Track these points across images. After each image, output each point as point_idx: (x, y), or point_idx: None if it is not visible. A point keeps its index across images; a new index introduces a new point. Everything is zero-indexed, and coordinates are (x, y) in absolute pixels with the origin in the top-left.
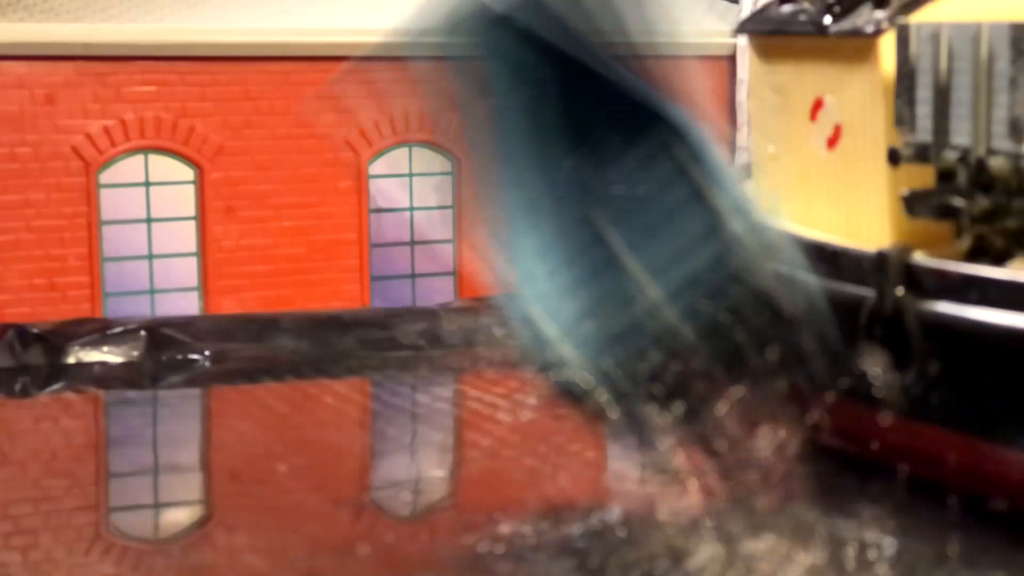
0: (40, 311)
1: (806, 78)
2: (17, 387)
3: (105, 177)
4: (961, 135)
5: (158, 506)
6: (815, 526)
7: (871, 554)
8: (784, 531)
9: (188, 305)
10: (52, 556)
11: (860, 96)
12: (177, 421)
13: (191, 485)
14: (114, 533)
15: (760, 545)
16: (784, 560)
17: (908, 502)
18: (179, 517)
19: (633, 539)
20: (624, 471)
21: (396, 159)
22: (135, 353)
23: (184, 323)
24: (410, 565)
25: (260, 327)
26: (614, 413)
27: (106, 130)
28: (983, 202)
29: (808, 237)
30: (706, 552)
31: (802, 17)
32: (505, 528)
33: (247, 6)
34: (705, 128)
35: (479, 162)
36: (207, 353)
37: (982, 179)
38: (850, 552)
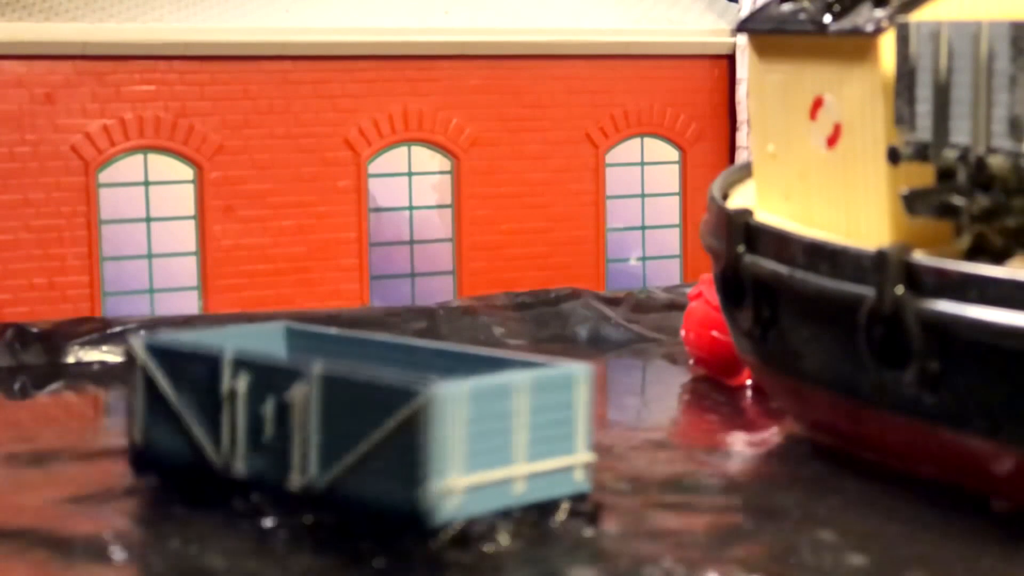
0: (39, 310)
1: (806, 77)
2: (16, 387)
3: (104, 176)
4: (961, 134)
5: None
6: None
7: (869, 553)
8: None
9: (187, 304)
10: (51, 557)
11: (860, 95)
12: None
13: None
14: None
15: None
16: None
17: (906, 502)
18: None
19: None
20: None
21: (395, 158)
22: None
23: (183, 322)
24: None
25: None
26: None
27: (105, 129)
28: (983, 201)
29: (808, 236)
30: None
31: (802, 16)
32: None
33: (246, 5)
34: None
35: None
36: None
37: (982, 178)
38: (846, 551)
